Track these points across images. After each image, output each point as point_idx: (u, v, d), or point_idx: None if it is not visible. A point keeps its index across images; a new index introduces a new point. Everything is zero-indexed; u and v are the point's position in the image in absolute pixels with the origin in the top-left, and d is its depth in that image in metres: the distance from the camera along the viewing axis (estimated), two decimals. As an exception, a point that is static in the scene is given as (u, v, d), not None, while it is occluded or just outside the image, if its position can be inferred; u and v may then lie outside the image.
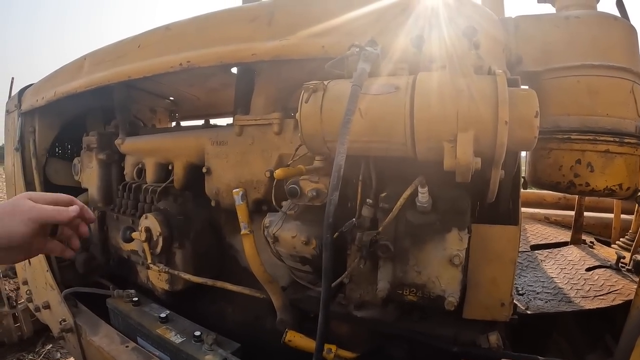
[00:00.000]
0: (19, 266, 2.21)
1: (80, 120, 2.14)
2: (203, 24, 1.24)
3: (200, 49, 1.19)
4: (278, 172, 0.90)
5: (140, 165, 1.69)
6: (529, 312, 1.23)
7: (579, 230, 1.87)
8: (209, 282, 1.34)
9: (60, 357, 2.71)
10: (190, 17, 1.31)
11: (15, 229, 0.79)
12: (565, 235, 1.99)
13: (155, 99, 2.06)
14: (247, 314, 1.40)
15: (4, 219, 0.80)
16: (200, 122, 1.94)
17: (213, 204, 1.39)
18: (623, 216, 2.01)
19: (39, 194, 0.85)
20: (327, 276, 0.66)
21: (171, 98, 2.10)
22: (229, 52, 1.13)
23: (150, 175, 1.62)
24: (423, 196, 0.78)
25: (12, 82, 2.24)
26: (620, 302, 1.23)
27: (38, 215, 0.81)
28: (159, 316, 1.40)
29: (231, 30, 1.17)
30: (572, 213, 1.90)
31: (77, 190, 1.98)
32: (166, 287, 1.49)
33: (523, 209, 2.25)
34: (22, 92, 2.08)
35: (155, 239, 1.44)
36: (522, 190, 1.02)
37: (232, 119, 1.33)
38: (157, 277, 1.52)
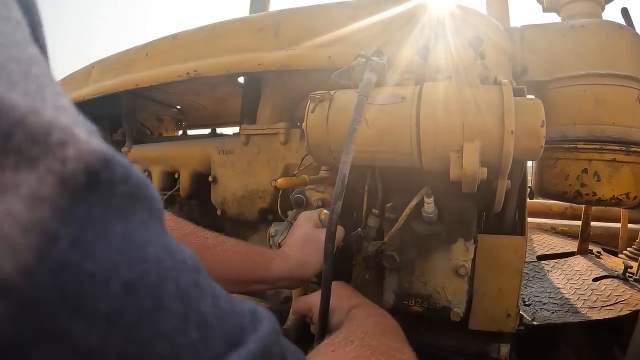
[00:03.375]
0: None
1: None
2: (210, 34, 1.26)
3: (207, 58, 1.20)
4: (280, 182, 0.90)
5: (146, 174, 1.70)
6: (535, 323, 1.22)
7: (585, 240, 1.85)
8: (214, 290, 1.32)
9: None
10: (197, 27, 1.33)
11: (313, 260, 0.73)
12: (572, 245, 1.97)
13: (162, 108, 2.07)
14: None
15: (304, 248, 0.73)
16: (207, 131, 1.94)
17: (219, 212, 1.40)
18: (630, 226, 1.98)
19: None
20: (327, 286, 0.66)
21: (178, 107, 2.11)
22: (236, 62, 1.14)
23: (156, 183, 1.63)
24: (429, 206, 0.78)
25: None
26: (628, 312, 1.21)
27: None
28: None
29: (238, 40, 1.18)
30: (579, 223, 1.89)
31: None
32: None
33: (529, 219, 2.24)
34: (30, 100, 2.09)
35: (160, 247, 1.43)
36: (528, 200, 1.01)
37: (238, 128, 1.34)
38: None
